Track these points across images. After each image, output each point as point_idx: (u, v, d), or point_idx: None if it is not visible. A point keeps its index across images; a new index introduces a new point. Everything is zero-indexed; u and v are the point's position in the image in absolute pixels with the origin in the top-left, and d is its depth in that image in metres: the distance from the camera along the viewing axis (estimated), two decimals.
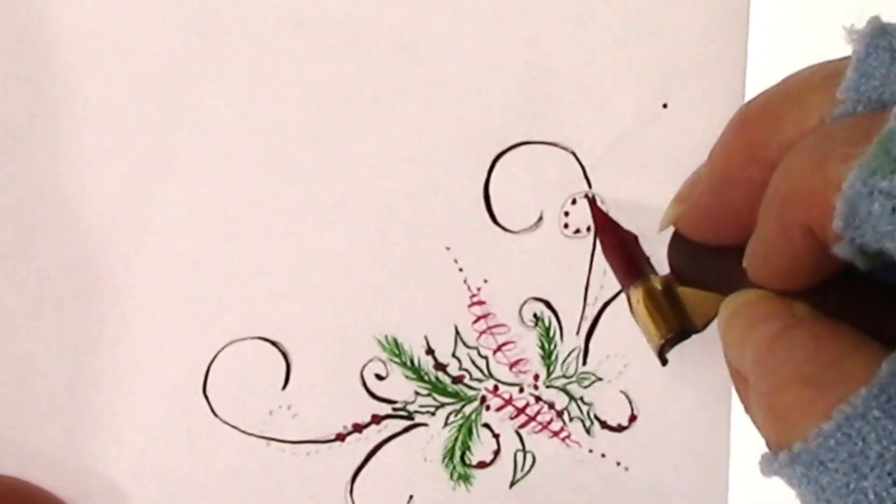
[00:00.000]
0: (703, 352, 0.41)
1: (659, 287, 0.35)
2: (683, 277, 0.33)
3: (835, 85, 0.26)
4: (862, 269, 0.25)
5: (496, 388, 0.42)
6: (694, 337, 0.41)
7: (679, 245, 0.33)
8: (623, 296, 0.41)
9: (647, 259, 0.38)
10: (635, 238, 0.39)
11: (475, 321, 0.41)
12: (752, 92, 0.41)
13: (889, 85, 0.26)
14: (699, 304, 0.33)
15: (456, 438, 0.42)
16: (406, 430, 0.42)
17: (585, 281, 0.41)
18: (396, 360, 0.41)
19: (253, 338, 0.41)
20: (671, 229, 0.33)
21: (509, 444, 0.42)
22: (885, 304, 0.27)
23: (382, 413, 0.41)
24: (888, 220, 0.23)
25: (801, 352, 0.26)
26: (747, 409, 0.28)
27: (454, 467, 0.42)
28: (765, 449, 0.26)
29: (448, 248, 0.41)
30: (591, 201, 0.40)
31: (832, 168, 0.24)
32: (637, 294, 0.36)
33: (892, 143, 0.23)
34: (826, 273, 0.27)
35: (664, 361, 0.36)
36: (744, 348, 0.28)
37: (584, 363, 0.42)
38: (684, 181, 0.33)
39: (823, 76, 0.27)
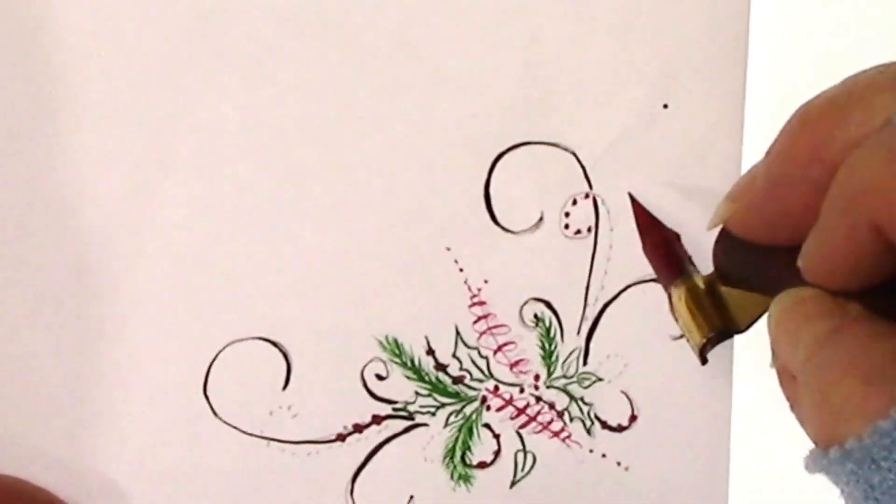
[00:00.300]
0: None
1: (702, 286, 0.35)
2: (728, 277, 0.33)
3: None
4: None
5: (497, 388, 0.42)
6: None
7: (727, 244, 0.32)
8: (624, 296, 0.41)
9: (690, 258, 0.38)
10: (677, 236, 0.39)
11: (476, 321, 0.41)
12: (752, 92, 0.41)
13: None
14: (743, 304, 0.33)
15: (456, 439, 0.42)
16: (406, 430, 0.42)
17: (586, 281, 0.41)
18: (397, 360, 0.41)
19: (253, 338, 0.41)
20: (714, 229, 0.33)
21: (510, 444, 0.42)
22: None
23: (383, 413, 0.41)
24: None
25: (858, 348, 0.26)
26: (793, 408, 0.29)
27: (455, 467, 0.42)
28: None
29: (448, 249, 0.41)
30: (633, 198, 0.40)
31: None
32: (679, 292, 0.36)
33: None
34: (884, 274, 0.27)
35: (704, 361, 0.35)
36: (795, 345, 0.28)
37: (585, 363, 0.42)
38: (737, 180, 0.33)
39: (889, 77, 0.28)
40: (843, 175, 0.26)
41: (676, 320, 0.36)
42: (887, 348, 0.25)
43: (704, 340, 0.34)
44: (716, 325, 0.34)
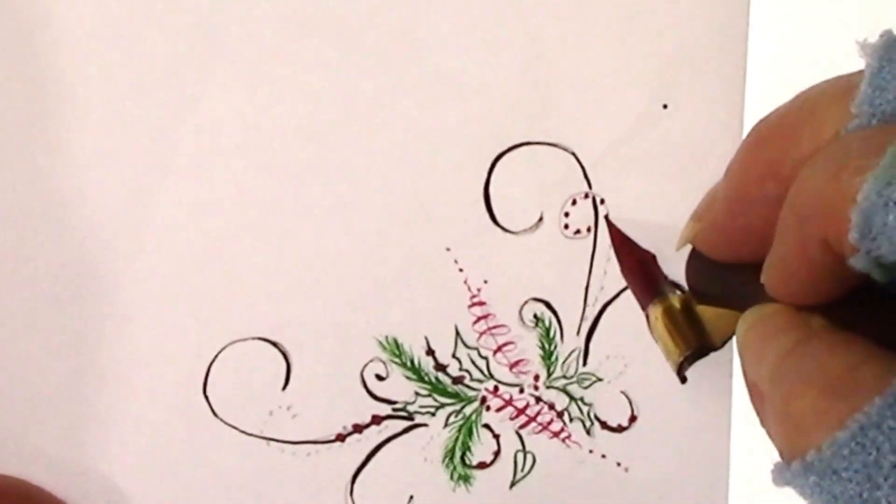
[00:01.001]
0: None
1: (678, 305, 0.36)
2: (702, 295, 0.34)
3: (849, 99, 0.27)
4: (879, 282, 0.25)
5: (496, 388, 0.42)
6: None
7: (697, 263, 0.33)
8: (624, 296, 0.41)
9: (666, 277, 0.39)
10: (653, 257, 0.40)
11: (475, 322, 0.41)
12: (752, 92, 0.41)
13: None
14: (718, 321, 0.34)
15: (456, 439, 0.42)
16: (406, 430, 0.42)
17: (586, 282, 0.41)
18: (397, 360, 0.41)
19: (253, 338, 0.41)
20: (688, 247, 0.34)
21: (509, 444, 0.42)
22: None
23: (382, 413, 0.41)
24: None
25: (816, 362, 0.26)
26: (763, 423, 0.28)
27: (454, 468, 0.42)
28: (775, 457, 0.26)
29: (448, 249, 0.41)
30: (609, 221, 0.41)
31: (847, 180, 0.24)
32: (656, 312, 0.36)
33: None
34: (843, 287, 0.27)
35: (683, 379, 0.36)
36: (760, 361, 0.28)
37: (585, 364, 0.42)
38: (701, 200, 0.33)
39: (837, 91, 0.28)
40: (792, 192, 0.26)
41: (655, 340, 0.37)
42: (846, 360, 0.25)
43: (681, 360, 0.35)
44: (692, 343, 0.35)
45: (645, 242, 0.40)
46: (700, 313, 0.34)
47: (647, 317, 0.37)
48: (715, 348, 0.34)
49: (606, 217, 0.41)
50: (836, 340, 0.26)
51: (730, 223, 0.31)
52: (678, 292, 0.37)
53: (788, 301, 0.28)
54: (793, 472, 0.25)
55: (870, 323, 0.27)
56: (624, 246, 0.40)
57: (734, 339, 0.31)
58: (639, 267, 0.39)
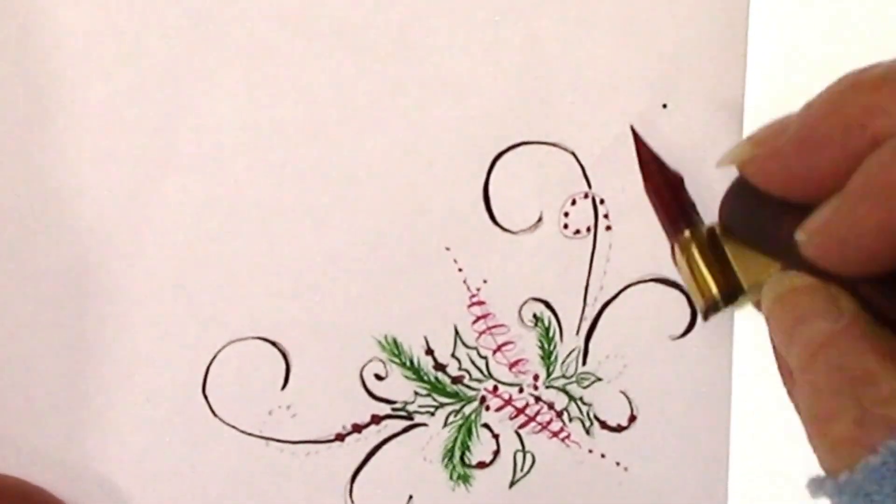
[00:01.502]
0: (703, 352, 0.41)
1: (707, 238, 0.33)
2: (733, 231, 0.32)
3: None
4: None
5: (496, 388, 0.42)
6: (693, 338, 0.41)
7: (738, 195, 0.31)
8: (623, 295, 0.41)
9: (694, 205, 0.35)
10: (681, 180, 0.36)
11: (475, 321, 0.41)
12: (752, 92, 0.41)
13: None
14: (748, 263, 0.32)
15: (455, 439, 0.42)
16: (405, 430, 0.42)
17: (585, 281, 0.41)
18: (396, 360, 0.41)
19: (252, 338, 0.41)
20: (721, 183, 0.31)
21: (509, 444, 0.42)
22: None
23: (382, 413, 0.42)
24: None
25: (851, 370, 0.26)
26: (791, 399, 0.28)
27: (454, 467, 0.42)
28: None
29: (448, 249, 0.41)
30: (636, 133, 0.38)
31: None
32: (685, 241, 0.33)
33: None
34: (887, 267, 0.26)
35: (707, 318, 0.33)
36: (790, 340, 0.28)
37: (584, 363, 0.42)
38: (763, 127, 0.31)
39: None
40: (877, 161, 0.26)
41: (679, 271, 0.34)
42: (877, 360, 0.26)
43: (712, 302, 0.32)
44: (721, 283, 0.32)
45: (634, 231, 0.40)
46: (729, 253, 0.32)
47: (673, 246, 0.34)
48: (743, 292, 0.32)
49: (632, 128, 0.39)
50: (870, 343, 0.26)
51: (795, 157, 0.29)
52: (706, 224, 0.34)
53: (826, 264, 0.27)
54: (827, 489, 0.25)
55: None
56: (651, 163, 0.37)
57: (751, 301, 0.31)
58: (667, 188, 0.36)
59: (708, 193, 0.40)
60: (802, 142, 0.28)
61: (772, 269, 0.31)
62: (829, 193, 0.27)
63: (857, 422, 0.25)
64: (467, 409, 0.42)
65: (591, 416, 0.42)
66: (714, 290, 0.32)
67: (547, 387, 0.42)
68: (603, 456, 0.42)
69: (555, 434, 0.42)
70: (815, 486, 0.26)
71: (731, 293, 0.32)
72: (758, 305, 0.31)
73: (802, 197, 0.28)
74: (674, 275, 0.41)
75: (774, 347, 0.29)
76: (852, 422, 0.25)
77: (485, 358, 0.42)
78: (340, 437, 0.42)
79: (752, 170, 0.30)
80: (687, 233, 0.33)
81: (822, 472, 0.27)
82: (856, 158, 0.27)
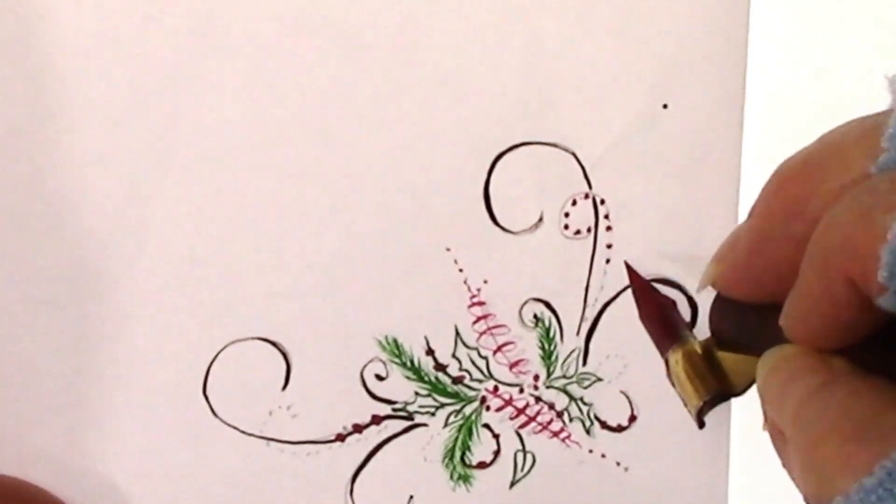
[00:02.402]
0: None
1: (698, 350, 0.35)
2: (723, 340, 0.33)
3: (875, 137, 0.27)
4: None
5: (496, 388, 0.42)
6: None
7: (720, 307, 0.33)
8: (624, 296, 0.41)
9: (685, 323, 0.38)
10: (673, 303, 0.39)
11: (475, 322, 0.41)
12: (752, 92, 0.41)
13: None
14: (739, 367, 0.33)
15: (456, 439, 0.42)
16: (406, 430, 0.42)
17: (585, 282, 0.41)
18: (396, 360, 0.41)
19: (253, 338, 0.41)
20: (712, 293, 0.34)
21: (509, 444, 0.42)
22: None
23: (382, 413, 0.42)
24: None
25: (841, 406, 0.26)
26: (785, 464, 0.28)
27: (454, 468, 0.42)
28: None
29: (448, 249, 0.41)
30: (629, 266, 0.41)
31: (877, 219, 0.24)
32: (676, 356, 0.35)
33: None
34: (866, 329, 0.27)
35: (702, 425, 0.35)
36: (782, 403, 0.28)
37: (585, 364, 0.42)
38: (722, 242, 0.32)
39: (864, 128, 0.28)
40: (819, 231, 0.26)
41: (673, 385, 0.36)
42: (870, 404, 0.26)
43: (701, 404, 0.34)
44: (712, 388, 0.34)
45: (633, 229, 0.40)
46: (721, 359, 0.34)
47: (666, 362, 0.36)
48: (736, 393, 0.34)
49: (626, 263, 0.41)
50: (859, 384, 0.27)
51: (753, 263, 0.30)
52: (698, 338, 0.37)
53: (809, 344, 0.28)
54: None
55: (891, 365, 0.27)
56: (643, 291, 0.39)
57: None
58: (658, 312, 0.38)
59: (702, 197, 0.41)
60: (754, 246, 0.30)
61: None
62: (791, 287, 0.29)
63: (849, 439, 0.25)
64: (468, 410, 0.42)
65: (592, 416, 0.42)
66: (695, 399, 0.34)
67: (547, 387, 0.42)
68: (603, 456, 0.42)
69: (555, 434, 0.42)
70: None
71: (722, 395, 0.33)
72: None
73: (774, 296, 0.29)
74: (673, 275, 0.41)
75: (767, 418, 0.30)
76: (844, 440, 0.25)
77: (485, 358, 0.42)
78: (341, 438, 0.42)
79: (722, 285, 0.31)
80: (677, 350, 0.35)
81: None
82: (803, 247, 0.27)
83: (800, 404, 0.27)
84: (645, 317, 0.39)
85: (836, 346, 0.27)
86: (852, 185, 0.27)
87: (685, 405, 0.35)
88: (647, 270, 0.41)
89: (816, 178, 0.28)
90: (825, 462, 0.25)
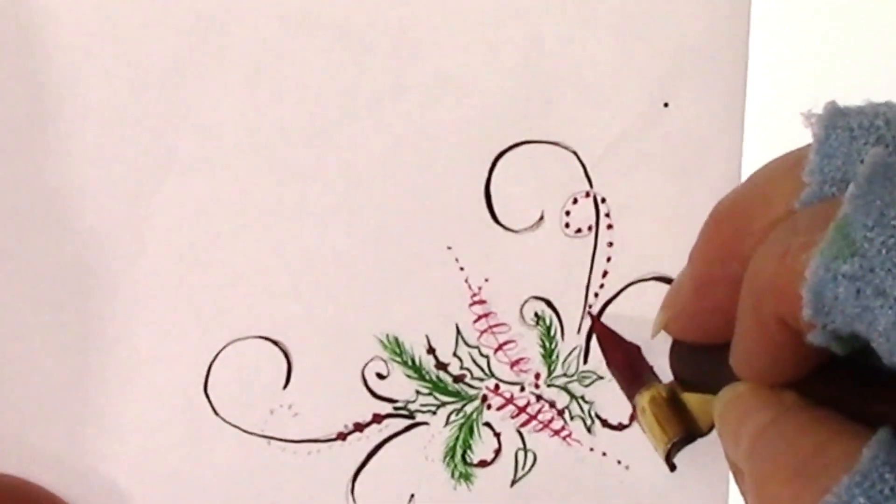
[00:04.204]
0: None
1: (663, 394, 0.36)
2: (686, 383, 0.34)
3: (798, 172, 0.27)
4: (840, 354, 0.26)
5: (497, 387, 0.43)
6: None
7: (678, 351, 0.34)
8: (625, 294, 0.42)
9: (651, 368, 0.39)
10: (639, 349, 0.40)
11: (476, 320, 0.42)
12: (752, 91, 0.41)
13: (850, 164, 0.27)
14: (703, 407, 0.34)
15: (457, 437, 0.43)
16: (407, 429, 0.42)
17: (586, 280, 0.42)
18: (397, 359, 0.42)
19: (254, 337, 0.41)
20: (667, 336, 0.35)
21: (510, 442, 0.43)
22: (869, 386, 0.27)
23: (383, 412, 0.42)
24: (854, 303, 0.24)
25: (786, 442, 0.27)
26: (744, 497, 0.29)
27: (455, 466, 0.43)
28: None
29: (449, 248, 0.42)
30: (593, 317, 0.42)
31: (795, 258, 0.25)
32: (642, 401, 0.37)
33: (848, 227, 0.24)
34: (808, 363, 0.27)
35: (672, 467, 0.36)
36: (737, 441, 0.29)
37: (585, 362, 0.43)
38: (669, 289, 0.34)
39: (787, 164, 0.28)
40: (748, 274, 0.27)
41: (643, 430, 0.37)
42: (814, 440, 0.26)
43: (669, 446, 0.35)
44: (678, 430, 0.35)
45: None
46: (685, 401, 0.35)
47: (634, 407, 0.38)
48: (702, 434, 0.35)
49: (590, 313, 0.42)
50: (806, 418, 0.27)
51: (697, 307, 0.31)
52: (663, 382, 0.38)
53: (757, 381, 0.29)
54: None
55: (843, 395, 0.27)
56: (609, 340, 0.41)
57: None
58: (624, 359, 0.40)
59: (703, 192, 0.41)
60: (696, 291, 0.31)
61: None
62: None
63: (794, 476, 0.26)
64: (469, 408, 0.43)
65: (593, 414, 0.43)
66: (669, 438, 0.35)
67: (548, 385, 0.43)
68: (604, 454, 0.43)
69: (556, 432, 0.43)
70: None
71: (689, 436, 0.35)
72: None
73: (723, 336, 0.30)
74: (674, 273, 0.41)
75: (728, 459, 0.30)
76: (789, 477, 0.26)
77: (486, 357, 0.42)
78: (342, 436, 0.42)
79: (672, 330, 0.33)
80: (644, 395, 0.37)
81: None
82: (741, 285, 0.28)
83: (751, 441, 0.28)
84: (612, 363, 0.41)
85: (781, 381, 0.28)
86: (778, 223, 0.27)
87: (654, 448, 0.36)
88: (648, 269, 0.42)
89: (746, 218, 0.29)
90: (774, 499, 0.26)
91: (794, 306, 0.25)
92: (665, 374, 0.36)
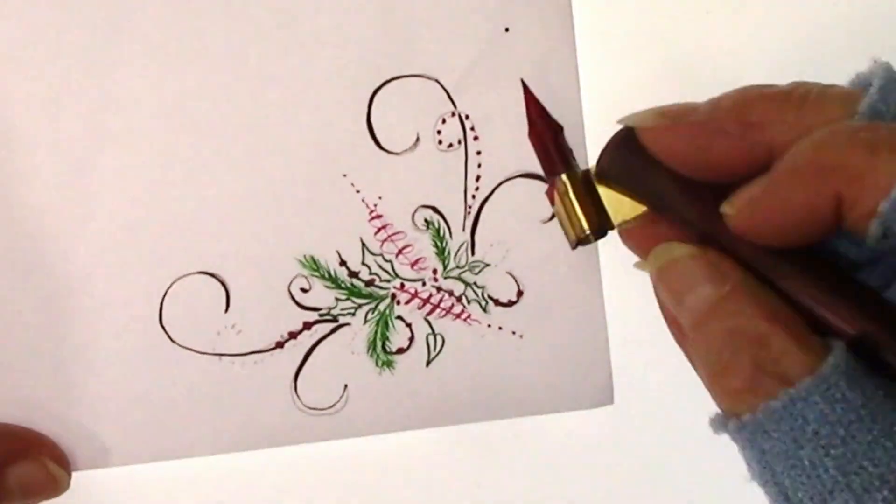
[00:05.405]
0: None
1: (581, 180, 0.35)
2: (609, 177, 0.34)
3: (848, 101, 0.28)
4: (869, 245, 0.27)
5: (402, 285, 0.46)
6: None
7: (622, 145, 0.33)
8: (497, 192, 0.45)
9: (571, 151, 0.37)
10: (561, 128, 0.38)
11: (377, 232, 0.45)
12: (579, 10, 0.46)
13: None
14: (618, 205, 0.34)
15: (375, 332, 0.45)
16: (333, 331, 0.45)
17: (463, 185, 0.45)
18: (316, 274, 0.45)
19: (195, 273, 0.45)
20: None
21: (421, 330, 0.46)
22: (837, 286, 0.28)
23: (311, 320, 0.45)
24: None
25: (744, 331, 0.28)
26: (685, 353, 0.31)
27: (378, 356, 0.46)
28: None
29: (345, 175, 0.45)
30: (525, 86, 0.41)
31: (885, 157, 0.26)
32: (562, 182, 0.35)
33: None
34: (807, 241, 0.28)
35: (575, 248, 0.36)
36: (680, 303, 0.30)
37: (473, 253, 0.45)
38: (674, 103, 0.32)
39: (837, 93, 0.29)
40: (817, 146, 0.27)
41: (555, 211, 0.36)
42: (772, 335, 0.27)
43: (580, 238, 0.35)
44: (593, 220, 0.34)
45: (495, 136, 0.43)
46: (602, 193, 0.34)
47: (551, 186, 0.36)
48: (611, 228, 0.35)
49: (522, 81, 0.42)
50: (758, 305, 0.28)
51: (695, 137, 0.31)
52: (579, 168, 0.36)
53: (753, 236, 0.29)
54: (730, 428, 0.28)
55: (783, 276, 0.29)
56: (537, 113, 0.39)
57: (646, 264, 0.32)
58: (550, 135, 0.38)
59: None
60: (705, 126, 0.30)
61: (638, 211, 0.33)
62: (711, 175, 0.30)
63: (753, 377, 0.27)
64: (382, 306, 0.45)
65: (486, 296, 0.46)
66: (585, 226, 0.34)
67: (445, 277, 0.46)
68: (500, 328, 0.46)
69: (458, 316, 0.46)
70: (717, 424, 0.29)
71: (601, 229, 0.34)
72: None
73: (685, 170, 0.31)
74: (536, 168, 0.44)
75: (662, 304, 0.31)
76: (749, 376, 0.27)
77: (389, 261, 0.45)
78: (280, 345, 0.45)
79: (650, 136, 0.32)
80: (564, 176, 0.35)
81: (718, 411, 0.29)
82: (747, 153, 0.29)
83: (699, 312, 0.29)
84: (535, 137, 0.38)
85: (776, 244, 0.29)
86: (832, 122, 0.28)
87: (563, 231, 0.35)
88: (513, 168, 0.45)
89: (794, 108, 0.29)
90: (737, 386, 0.28)
91: (866, 194, 0.26)
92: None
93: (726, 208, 0.30)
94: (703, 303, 0.29)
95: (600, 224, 0.34)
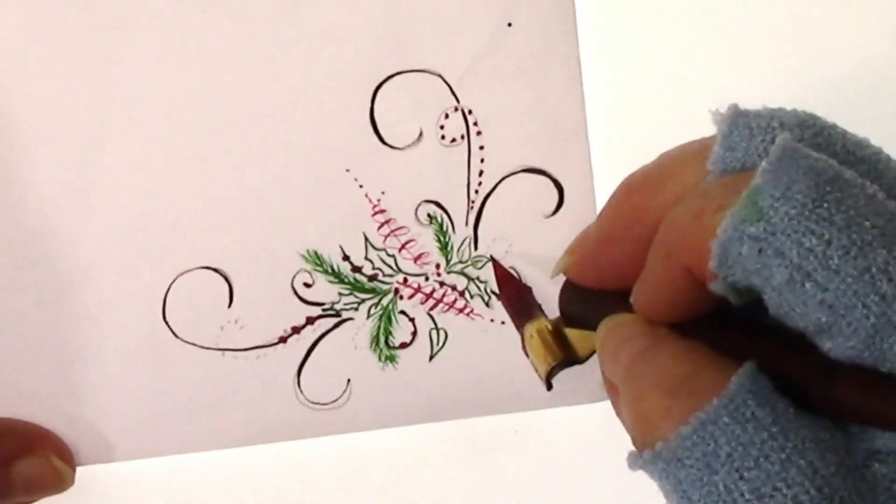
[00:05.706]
0: (573, 227, 0.45)
1: (548, 326, 0.39)
2: (570, 319, 0.37)
3: (704, 158, 0.30)
4: (734, 304, 0.28)
5: (405, 280, 0.46)
6: (562, 215, 0.46)
7: (569, 290, 0.37)
8: (500, 187, 0.46)
9: (539, 306, 0.42)
10: (529, 289, 0.44)
11: (380, 227, 0.45)
12: (581, 12, 0.46)
13: (749, 156, 0.29)
14: (583, 341, 0.37)
15: (378, 326, 0.46)
16: (336, 325, 0.46)
17: (466, 180, 0.45)
18: (319, 268, 0.45)
19: (198, 268, 0.45)
20: (562, 279, 0.38)
21: (424, 324, 0.46)
22: (747, 335, 0.30)
23: (315, 315, 0.45)
24: (756, 260, 0.26)
25: (661, 366, 0.29)
26: (618, 415, 0.31)
27: (381, 351, 0.46)
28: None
29: (348, 170, 0.45)
30: (494, 260, 0.45)
31: (708, 218, 0.28)
32: (531, 330, 0.40)
33: (758, 196, 0.26)
34: (700, 308, 0.30)
35: (550, 387, 0.39)
36: (615, 361, 0.31)
37: (476, 248, 0.46)
38: (575, 238, 0.36)
39: (694, 151, 0.31)
40: (663, 230, 0.30)
41: (527, 355, 0.40)
42: (688, 364, 0.29)
43: (549, 368, 0.38)
44: (559, 356, 0.38)
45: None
46: (568, 334, 0.38)
47: (522, 336, 0.41)
48: (580, 361, 0.38)
49: (492, 257, 0.45)
50: (680, 346, 0.30)
51: (599, 257, 0.34)
52: (549, 318, 0.40)
53: (654, 318, 0.31)
54: (644, 459, 0.28)
55: (718, 337, 0.30)
56: (505, 279, 0.44)
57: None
58: (517, 296, 0.43)
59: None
60: (600, 244, 0.34)
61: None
62: (630, 277, 0.32)
63: (668, 394, 0.28)
64: (385, 301, 0.46)
65: (488, 291, 0.46)
66: (545, 364, 0.38)
67: (448, 272, 0.46)
68: (503, 323, 0.46)
69: (460, 311, 0.46)
70: (633, 459, 0.29)
71: (568, 361, 0.38)
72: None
73: (615, 284, 0.33)
74: (539, 163, 0.46)
75: (603, 375, 0.33)
76: (664, 395, 0.28)
77: (392, 256, 0.46)
78: (283, 340, 0.45)
79: (571, 273, 0.36)
80: (531, 325, 0.40)
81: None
82: (641, 246, 0.31)
83: (629, 362, 0.30)
84: (505, 299, 0.44)
85: (674, 320, 0.31)
86: (688, 192, 0.30)
87: (536, 371, 0.39)
88: (515, 163, 0.46)
89: (656, 190, 0.31)
90: (649, 413, 0.28)
91: (702, 258, 0.28)
92: (552, 312, 0.40)
93: (632, 299, 0.32)
94: (634, 352, 0.30)
95: (567, 359, 0.38)
